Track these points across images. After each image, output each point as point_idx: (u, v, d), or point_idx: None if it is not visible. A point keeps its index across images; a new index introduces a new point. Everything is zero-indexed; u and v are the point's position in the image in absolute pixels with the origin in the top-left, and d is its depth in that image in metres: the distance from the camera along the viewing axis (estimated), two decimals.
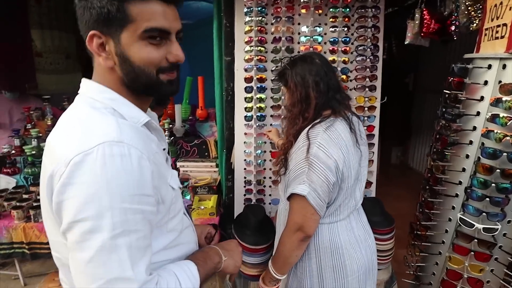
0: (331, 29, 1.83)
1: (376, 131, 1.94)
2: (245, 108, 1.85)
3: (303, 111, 1.04)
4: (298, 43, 1.85)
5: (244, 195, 1.92)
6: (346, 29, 1.84)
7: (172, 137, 2.47)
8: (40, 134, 2.41)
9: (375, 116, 1.93)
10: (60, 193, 0.51)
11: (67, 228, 0.52)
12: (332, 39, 1.83)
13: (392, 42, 3.35)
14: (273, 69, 1.84)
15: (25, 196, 2.07)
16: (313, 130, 0.98)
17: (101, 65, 0.60)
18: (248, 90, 1.84)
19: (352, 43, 1.86)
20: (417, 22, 1.82)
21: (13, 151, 2.39)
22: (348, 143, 1.00)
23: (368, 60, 1.86)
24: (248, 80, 1.84)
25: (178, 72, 0.65)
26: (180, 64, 0.64)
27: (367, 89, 1.89)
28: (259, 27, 1.81)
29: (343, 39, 1.84)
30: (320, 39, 1.83)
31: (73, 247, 0.52)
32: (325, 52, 1.85)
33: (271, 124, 1.88)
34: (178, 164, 2.29)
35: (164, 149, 0.72)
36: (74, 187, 0.50)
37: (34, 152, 2.32)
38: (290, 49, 1.84)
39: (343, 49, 1.84)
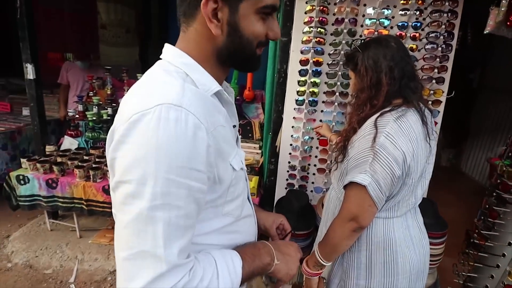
0: (400, 12, 1.67)
1: (438, 128, 1.78)
2: (297, 92, 1.80)
3: (371, 98, 0.97)
4: (362, 26, 1.73)
5: (287, 179, 1.91)
6: (418, 12, 1.67)
7: None
8: (101, 102, 2.60)
9: (439, 111, 1.77)
10: (114, 150, 0.50)
11: (115, 187, 0.51)
12: (400, 23, 1.68)
13: (468, 30, 3.00)
14: (331, 52, 1.75)
15: (85, 157, 2.28)
16: (382, 119, 0.92)
17: (200, 32, 0.58)
18: (302, 73, 1.78)
19: (423, 29, 1.69)
20: (503, 9, 1.59)
21: (77, 116, 2.62)
22: (419, 136, 0.92)
23: (439, 49, 1.69)
24: (303, 62, 1.77)
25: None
26: None
27: (434, 81, 1.73)
28: (321, 7, 1.72)
29: (413, 24, 1.68)
30: (386, 22, 1.68)
31: (118, 207, 0.51)
32: None
33: (322, 111, 1.82)
34: None
35: (234, 126, 0.68)
36: (126, 146, 0.48)
37: (94, 118, 2.52)
38: (352, 32, 1.73)
39: (412, 35, 1.69)
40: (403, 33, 1.68)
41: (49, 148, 2.42)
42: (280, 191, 1.92)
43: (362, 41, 1.07)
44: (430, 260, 1.50)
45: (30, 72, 2.26)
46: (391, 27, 1.70)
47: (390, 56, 0.95)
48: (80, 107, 2.62)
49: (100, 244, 2.27)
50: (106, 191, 2.04)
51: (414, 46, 1.70)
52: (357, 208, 0.92)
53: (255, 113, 2.67)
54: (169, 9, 4.15)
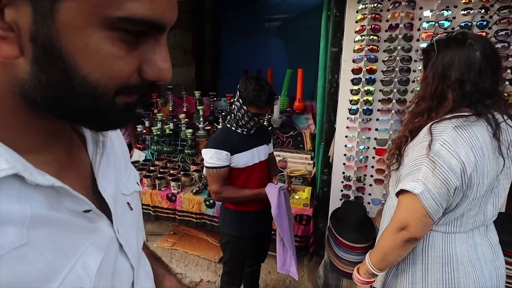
0: (462, 12, 1.57)
1: None
2: (350, 101, 1.78)
3: (431, 109, 0.91)
4: (418, 29, 1.66)
5: (341, 190, 1.87)
6: (483, 10, 1.55)
7: (270, 127, 2.59)
8: (163, 118, 2.87)
9: None
10: None
11: None
12: (463, 24, 1.57)
13: None
14: (385, 59, 1.71)
15: (151, 168, 2.53)
16: (438, 126, 0.86)
17: None
18: (355, 82, 1.76)
19: (490, 28, 1.56)
20: None
21: (144, 131, 2.93)
22: (486, 147, 0.84)
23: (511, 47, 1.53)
24: (356, 71, 1.75)
25: (144, 92, 0.37)
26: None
27: (507, 82, 1.56)
28: (373, 15, 1.70)
29: (478, 23, 1.55)
30: (447, 24, 1.59)
31: None
32: None
33: (377, 119, 1.76)
34: (275, 153, 2.39)
35: (87, 211, 0.37)
36: None
37: (158, 132, 2.79)
38: (408, 36, 1.66)
39: (477, 34, 1.56)
40: None
41: None
42: (334, 202, 1.89)
43: (448, 34, 0.94)
44: (507, 282, 1.33)
45: None
46: (452, 28, 1.60)
47: (465, 67, 0.84)
48: (147, 123, 2.93)
49: (163, 248, 2.46)
50: (169, 198, 2.23)
51: None
52: (409, 217, 0.87)
53: (305, 124, 2.68)
54: (221, 31, 4.46)
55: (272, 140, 1.66)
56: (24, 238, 0.29)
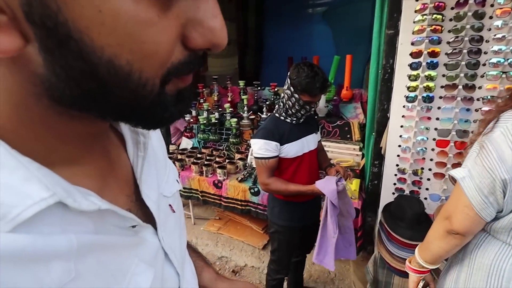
0: None
1: None
2: (408, 88, 1.64)
3: None
4: (492, 5, 1.45)
5: (394, 184, 1.76)
6: None
7: (316, 116, 2.52)
8: (209, 108, 2.96)
9: None
10: None
11: None
12: None
13: None
14: (451, 40, 1.53)
15: (199, 155, 2.63)
16: (508, 113, 0.76)
17: None
18: (414, 66, 1.61)
19: None
20: None
21: (191, 120, 3.05)
22: None
23: None
24: (415, 55, 1.60)
25: (200, 68, 0.30)
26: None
27: None
28: None
29: None
30: None
31: None
32: None
33: (438, 107, 1.60)
34: None
35: (133, 226, 0.35)
36: None
37: (204, 121, 2.88)
38: (479, 14, 1.47)
39: None
40: None
41: (171, 148, 2.90)
42: (386, 196, 1.78)
43: None
44: None
45: None
46: None
47: None
48: (194, 112, 3.05)
49: (210, 231, 2.57)
50: (216, 185, 2.31)
51: None
52: (452, 205, 0.81)
53: (353, 113, 2.56)
54: (264, 21, 4.41)
55: (319, 129, 1.60)
56: (72, 272, 0.26)
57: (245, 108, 2.76)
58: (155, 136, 0.48)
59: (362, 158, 2.20)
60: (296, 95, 1.28)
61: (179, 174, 2.27)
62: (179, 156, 2.65)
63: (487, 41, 1.47)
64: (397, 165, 1.73)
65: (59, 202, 0.25)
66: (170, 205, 0.46)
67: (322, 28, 3.86)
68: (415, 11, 1.59)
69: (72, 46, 0.20)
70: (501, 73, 1.44)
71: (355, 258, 1.51)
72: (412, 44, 1.61)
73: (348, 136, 2.41)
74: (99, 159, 0.34)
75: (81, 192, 0.27)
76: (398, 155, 1.72)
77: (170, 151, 2.88)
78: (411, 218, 1.39)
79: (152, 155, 0.43)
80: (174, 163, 2.53)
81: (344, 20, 3.54)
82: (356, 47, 3.15)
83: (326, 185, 1.33)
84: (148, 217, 0.38)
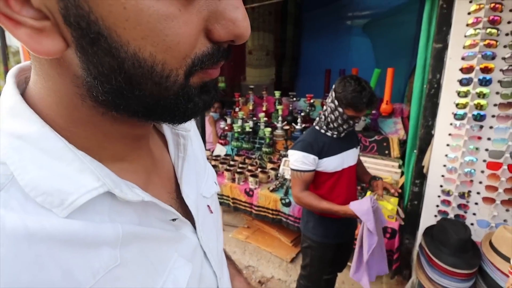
0: None
1: None
2: (456, 105, 1.54)
3: None
4: None
5: (437, 206, 1.64)
6: None
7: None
8: (244, 116, 3.01)
9: None
10: None
11: None
12: None
13: None
14: (507, 56, 1.43)
15: (231, 162, 2.68)
16: None
17: (41, 61, 0.26)
18: (464, 82, 1.52)
19: None
20: None
21: (226, 127, 3.12)
22: None
23: None
24: (465, 70, 1.51)
25: (225, 60, 0.29)
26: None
27: None
28: (492, 4, 1.44)
29: None
30: None
31: None
32: None
33: (490, 127, 1.49)
34: None
35: (174, 220, 0.36)
36: None
37: (239, 129, 2.94)
38: None
39: None
40: None
41: (206, 154, 2.99)
42: (427, 218, 1.67)
43: None
44: None
45: None
46: None
47: None
48: (229, 120, 3.12)
49: (238, 239, 2.59)
50: (247, 193, 2.33)
51: None
52: None
53: (392, 129, 2.45)
54: (302, 31, 4.44)
55: (359, 143, 1.56)
56: (118, 258, 0.28)
57: (280, 118, 2.77)
58: (196, 140, 0.51)
59: (401, 176, 2.10)
60: (340, 109, 1.25)
61: None
62: (213, 162, 2.72)
63: None
64: (441, 186, 1.62)
65: (108, 192, 0.28)
66: (208, 205, 0.47)
67: (362, 40, 3.79)
68: (467, 25, 1.51)
69: (102, 43, 0.22)
70: None
71: (388, 272, 1.42)
72: (463, 59, 1.53)
73: (387, 152, 2.31)
74: (144, 157, 0.36)
75: (127, 185, 0.30)
76: (442, 175, 1.61)
77: None
78: (455, 244, 1.29)
79: (192, 157, 0.45)
80: None
81: (386, 32, 3.45)
82: (397, 60, 3.05)
83: (360, 207, 1.26)
84: (187, 215, 0.40)
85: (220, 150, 3.06)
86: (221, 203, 2.54)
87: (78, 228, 0.26)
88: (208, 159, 2.66)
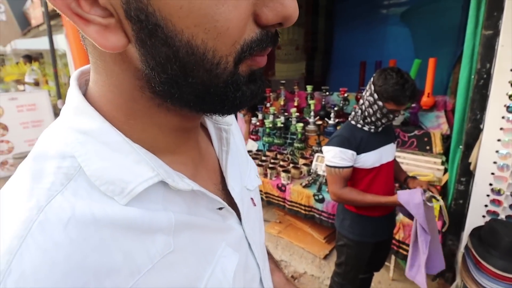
0: None
1: None
2: (509, 96, 1.42)
3: None
4: None
5: (486, 206, 1.53)
6: None
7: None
8: (275, 112, 3.01)
9: None
10: None
11: None
12: None
13: None
14: None
15: (263, 158, 2.70)
16: None
17: (99, 56, 0.28)
18: None
19: None
20: None
21: (257, 123, 3.15)
22: None
23: None
24: None
25: (273, 46, 0.29)
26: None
27: None
28: None
29: None
30: None
31: None
32: None
33: None
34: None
35: (220, 208, 0.37)
36: None
37: (270, 125, 2.94)
38: None
39: None
40: None
41: None
42: (474, 218, 1.56)
43: None
44: None
45: None
46: None
47: None
48: (260, 116, 3.14)
49: (270, 233, 2.61)
50: (279, 188, 2.34)
51: None
52: None
53: (434, 123, 2.31)
54: (334, 23, 4.30)
55: (397, 138, 1.49)
56: (171, 245, 0.30)
57: (312, 113, 2.73)
58: (238, 134, 0.52)
59: (445, 173, 1.97)
60: (380, 103, 1.20)
61: None
62: None
63: None
64: (491, 184, 1.50)
65: (161, 182, 0.30)
66: (251, 198, 0.48)
67: (399, 30, 3.58)
68: None
69: (159, 33, 0.24)
70: None
71: (444, 268, 1.34)
72: None
73: (428, 147, 2.19)
74: (192, 150, 0.38)
75: (178, 175, 0.32)
76: (492, 173, 1.49)
77: None
78: (507, 247, 1.20)
79: (235, 150, 0.46)
80: None
81: (427, 20, 3.23)
82: (440, 49, 2.85)
83: (411, 198, 1.21)
84: (233, 207, 0.41)
85: (252, 145, 3.09)
86: None
87: (136, 215, 0.28)
88: None
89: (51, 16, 3.61)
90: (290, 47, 3.91)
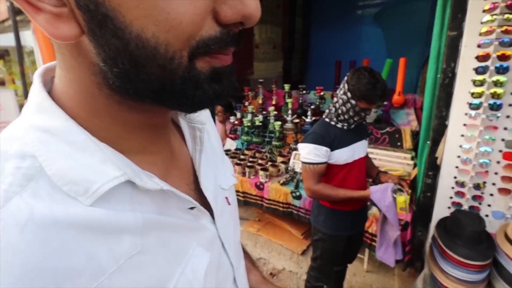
0: None
1: None
2: (472, 94, 1.50)
3: None
4: None
5: (451, 197, 1.61)
6: None
7: (364, 122, 2.42)
8: (253, 110, 3.01)
9: None
10: None
11: None
12: None
13: None
14: None
15: (242, 156, 2.69)
16: None
17: (56, 42, 0.27)
18: (480, 71, 1.47)
19: None
20: None
21: (236, 122, 3.14)
22: None
23: None
24: (481, 58, 1.47)
25: (236, 47, 0.29)
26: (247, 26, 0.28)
27: None
28: None
29: None
30: None
31: None
32: None
33: (507, 116, 1.44)
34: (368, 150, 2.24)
35: (192, 208, 0.37)
36: None
37: (249, 124, 2.94)
38: None
39: None
40: None
41: None
42: (440, 210, 1.65)
43: None
44: None
45: None
46: None
47: None
48: (238, 115, 3.13)
49: (249, 232, 2.62)
50: (258, 186, 2.35)
51: None
52: None
53: (405, 120, 2.41)
54: (311, 23, 4.37)
55: (369, 135, 1.55)
56: (138, 246, 0.29)
57: (289, 112, 2.76)
58: (213, 133, 0.52)
59: (414, 168, 2.06)
60: (353, 101, 1.24)
61: None
62: None
63: None
64: (455, 177, 1.59)
65: (128, 182, 0.29)
66: (226, 197, 0.48)
67: (373, 30, 3.71)
68: (483, 11, 1.45)
69: (109, 24, 0.23)
70: None
71: (394, 265, 1.45)
72: (479, 46, 1.48)
73: (399, 143, 2.28)
74: (163, 150, 0.37)
75: (147, 175, 0.31)
76: (456, 167, 1.58)
77: None
78: (470, 236, 1.27)
79: (209, 149, 0.46)
80: None
81: (398, 21, 3.36)
82: (410, 49, 2.98)
83: (382, 197, 1.28)
84: (206, 206, 0.40)
85: (230, 144, 3.08)
86: None
87: (101, 216, 0.27)
88: None
89: (17, 11, 3.40)
90: (267, 46, 3.93)
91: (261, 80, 3.21)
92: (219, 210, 0.43)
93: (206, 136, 0.45)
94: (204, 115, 0.47)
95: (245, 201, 2.46)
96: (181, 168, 0.41)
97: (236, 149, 2.98)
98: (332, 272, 1.54)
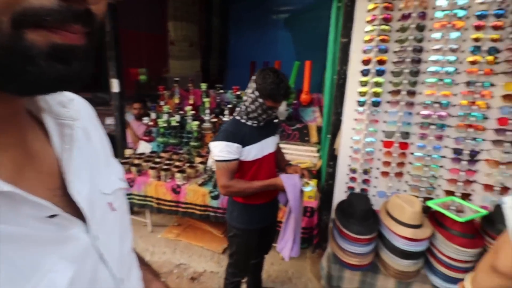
0: (478, 0, 1.51)
1: None
2: (359, 93, 1.74)
3: None
4: (432, 19, 1.61)
5: (347, 183, 1.84)
6: None
7: (277, 120, 2.57)
8: (170, 110, 2.87)
9: None
10: None
11: None
12: (479, 13, 1.51)
13: None
14: (396, 50, 1.67)
15: (157, 159, 2.53)
16: None
17: None
18: (364, 73, 1.72)
19: (507, 17, 1.50)
20: None
21: (151, 123, 2.93)
22: None
23: None
24: (365, 62, 1.71)
25: (94, 30, 0.28)
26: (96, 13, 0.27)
27: None
28: (385, 4, 1.65)
29: (495, 12, 1.50)
30: (462, 13, 1.54)
31: None
32: (466, 29, 1.55)
33: (385, 111, 1.72)
34: (280, 146, 2.38)
35: (52, 216, 0.32)
36: None
37: (165, 124, 2.79)
38: (420, 26, 1.61)
39: (493, 24, 1.51)
40: (483, 23, 1.51)
41: (128, 152, 2.76)
42: (339, 195, 1.86)
43: None
44: None
45: (115, 86, 2.62)
46: (467, 18, 1.55)
47: None
48: (153, 115, 2.94)
49: (167, 239, 2.48)
50: (174, 190, 2.24)
51: (497, 36, 1.51)
52: (501, 237, 0.67)
53: (312, 117, 2.65)
54: (229, 23, 4.43)
55: (279, 132, 1.64)
56: None
57: (207, 111, 2.72)
58: (95, 132, 0.47)
59: (319, 160, 2.28)
60: (261, 100, 1.29)
61: (134, 180, 2.13)
62: (136, 161, 2.53)
63: (427, 51, 1.61)
64: (349, 165, 1.82)
65: None
66: (110, 203, 0.44)
67: (284, 34, 3.98)
68: (366, 22, 1.70)
69: None
70: (438, 80, 1.59)
71: (298, 254, 1.58)
72: (363, 52, 1.72)
73: (307, 138, 2.49)
74: (11, 148, 0.32)
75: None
76: (350, 156, 1.81)
77: (126, 155, 2.73)
78: (360, 214, 1.47)
79: (86, 150, 0.42)
80: (129, 168, 2.40)
81: (305, 27, 3.69)
82: (315, 53, 3.28)
83: (289, 180, 1.37)
84: (79, 213, 0.36)
85: (145, 147, 2.86)
86: (144, 205, 2.38)
87: None
88: (130, 158, 2.46)
89: None
90: (183, 43, 3.81)
91: (176, 79, 3.08)
92: (98, 218, 0.38)
93: (82, 134, 0.41)
94: (76, 109, 0.41)
95: (158, 209, 2.31)
96: (42, 171, 0.35)
97: (152, 152, 2.79)
98: (248, 266, 1.57)
